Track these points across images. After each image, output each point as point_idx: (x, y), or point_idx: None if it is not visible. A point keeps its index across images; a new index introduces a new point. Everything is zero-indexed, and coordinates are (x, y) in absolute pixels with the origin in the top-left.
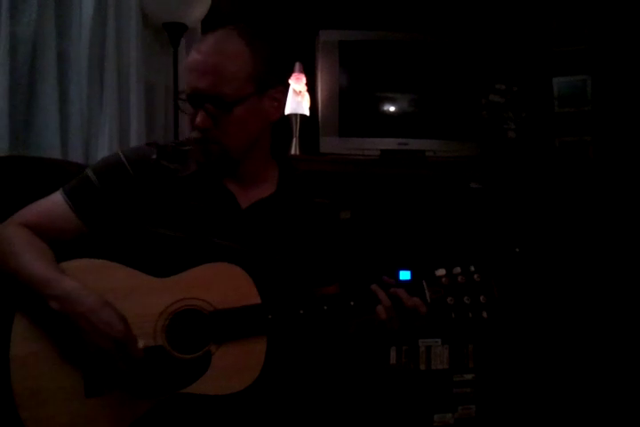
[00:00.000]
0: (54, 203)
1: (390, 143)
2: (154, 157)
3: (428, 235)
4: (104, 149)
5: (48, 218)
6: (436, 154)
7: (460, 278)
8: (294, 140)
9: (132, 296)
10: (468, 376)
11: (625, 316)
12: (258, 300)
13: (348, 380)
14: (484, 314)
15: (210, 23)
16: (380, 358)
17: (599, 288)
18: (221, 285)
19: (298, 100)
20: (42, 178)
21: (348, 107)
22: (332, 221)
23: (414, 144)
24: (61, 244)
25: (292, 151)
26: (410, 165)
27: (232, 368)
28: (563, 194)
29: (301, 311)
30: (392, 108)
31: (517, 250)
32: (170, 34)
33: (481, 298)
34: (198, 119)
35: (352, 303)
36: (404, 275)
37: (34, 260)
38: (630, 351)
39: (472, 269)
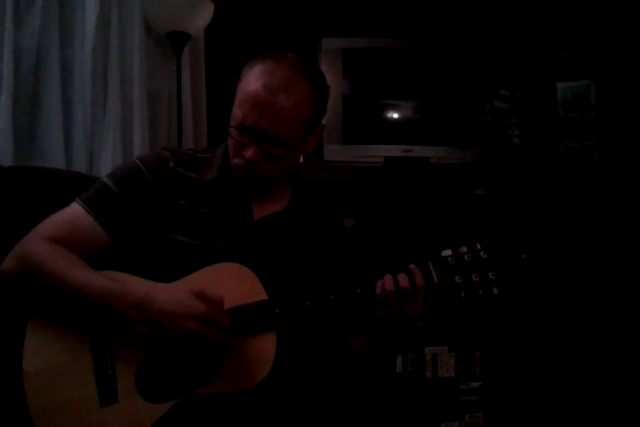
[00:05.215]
0: (76, 215)
1: (394, 150)
2: (171, 164)
3: (434, 242)
4: (108, 157)
5: (74, 231)
6: (441, 160)
7: (466, 257)
8: None
9: None
10: (475, 384)
11: (634, 321)
12: (264, 296)
13: (354, 383)
14: (495, 290)
15: (213, 32)
16: (387, 366)
17: (606, 293)
18: (227, 284)
19: None
20: (47, 189)
21: (351, 114)
22: (341, 242)
23: (418, 151)
24: (84, 257)
25: None
26: (414, 172)
27: (244, 365)
28: (568, 199)
29: (308, 303)
30: (396, 115)
31: (523, 256)
32: (173, 43)
33: (490, 275)
34: (251, 153)
35: (359, 291)
36: None
37: (88, 275)
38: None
39: (478, 246)
